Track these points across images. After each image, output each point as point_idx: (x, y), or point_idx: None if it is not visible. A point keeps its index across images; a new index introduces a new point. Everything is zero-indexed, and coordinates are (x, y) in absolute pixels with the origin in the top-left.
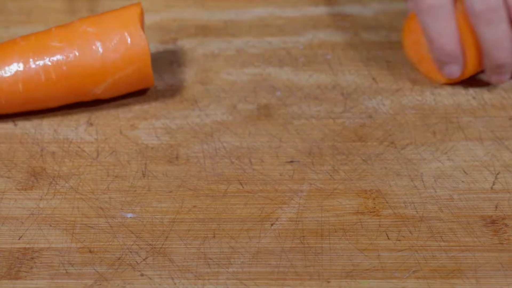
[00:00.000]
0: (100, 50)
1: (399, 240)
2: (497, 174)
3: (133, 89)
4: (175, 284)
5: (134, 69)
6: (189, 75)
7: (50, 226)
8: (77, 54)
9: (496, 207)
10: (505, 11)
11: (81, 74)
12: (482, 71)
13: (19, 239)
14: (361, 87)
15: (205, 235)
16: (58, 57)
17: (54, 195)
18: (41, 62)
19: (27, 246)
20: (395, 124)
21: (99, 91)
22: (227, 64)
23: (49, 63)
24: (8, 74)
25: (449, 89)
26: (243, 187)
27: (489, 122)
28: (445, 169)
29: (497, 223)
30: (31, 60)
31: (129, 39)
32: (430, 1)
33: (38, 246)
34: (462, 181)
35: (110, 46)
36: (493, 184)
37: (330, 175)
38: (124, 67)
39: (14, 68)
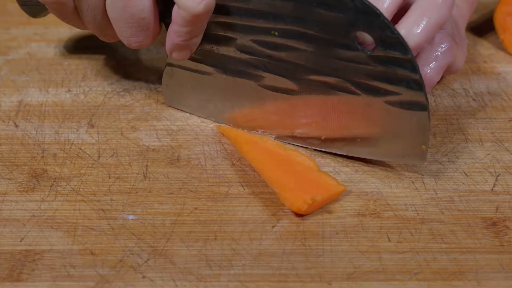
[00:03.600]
0: None
1: (400, 242)
2: (498, 176)
3: None
4: (176, 286)
5: None
6: None
7: (52, 228)
8: None
9: (497, 209)
10: None
11: None
12: None
13: (20, 241)
14: None
15: (207, 237)
16: None
17: (56, 197)
18: None
19: (29, 248)
20: None
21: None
22: None
23: None
24: None
25: (449, 91)
26: (244, 189)
27: (490, 124)
28: (446, 171)
29: (498, 225)
30: None
31: None
32: None
33: (40, 248)
34: (463, 183)
35: None
36: (494, 186)
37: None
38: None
39: None
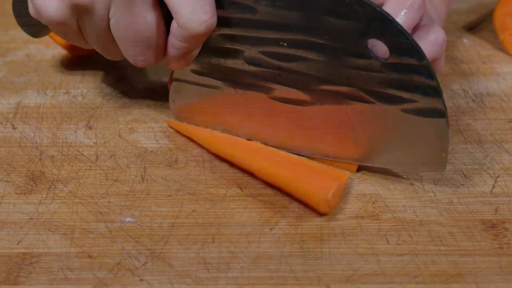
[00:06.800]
0: None
1: (399, 245)
2: (497, 177)
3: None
4: None
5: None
6: None
7: (49, 230)
8: None
9: (496, 211)
10: None
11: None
12: None
13: (18, 244)
14: None
15: (204, 240)
16: None
17: (53, 199)
18: None
19: (26, 251)
20: None
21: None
22: None
23: None
24: None
25: (448, 92)
26: (242, 191)
27: (489, 125)
28: (445, 173)
29: (497, 227)
30: None
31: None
32: None
33: (37, 251)
34: (462, 185)
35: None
36: (493, 188)
37: None
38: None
39: None
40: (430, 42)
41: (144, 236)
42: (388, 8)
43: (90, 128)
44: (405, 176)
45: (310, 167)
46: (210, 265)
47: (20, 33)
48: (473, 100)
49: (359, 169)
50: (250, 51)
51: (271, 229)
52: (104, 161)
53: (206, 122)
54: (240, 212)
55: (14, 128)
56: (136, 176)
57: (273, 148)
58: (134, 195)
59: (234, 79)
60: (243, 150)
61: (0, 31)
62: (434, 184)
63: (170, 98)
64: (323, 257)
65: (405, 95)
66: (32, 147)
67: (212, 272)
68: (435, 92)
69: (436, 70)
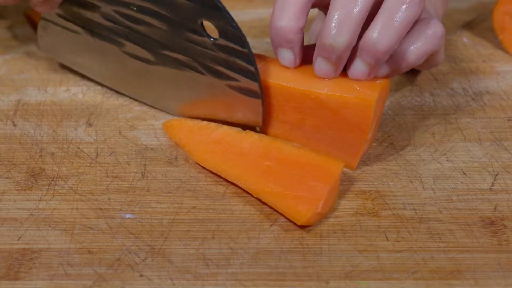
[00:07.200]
0: None
1: (398, 241)
2: (496, 175)
3: None
4: (174, 284)
5: None
6: None
7: (49, 226)
8: None
9: (495, 208)
10: None
11: None
12: None
13: (18, 239)
14: None
15: (204, 236)
16: None
17: (53, 195)
18: None
19: (26, 246)
20: (395, 125)
21: None
22: None
23: None
24: None
25: (448, 90)
26: (242, 188)
27: (488, 123)
28: (444, 170)
29: (496, 224)
30: None
31: None
32: None
33: (38, 246)
34: (461, 182)
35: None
36: (492, 185)
37: None
38: None
39: None
40: (429, 36)
41: (144, 232)
42: (390, 3)
43: (91, 125)
44: (404, 174)
45: (298, 174)
46: (210, 261)
47: (20, 31)
48: (473, 99)
49: (359, 166)
50: (106, 8)
51: (271, 225)
52: (105, 158)
53: (69, 60)
54: (240, 208)
55: (15, 125)
56: (136, 173)
57: (260, 152)
58: (134, 191)
59: (92, 29)
60: (228, 164)
61: (1, 28)
62: (434, 181)
63: (38, 34)
64: (323, 254)
65: (230, 74)
66: (32, 144)
67: (212, 268)
68: (253, 76)
69: (435, 63)
